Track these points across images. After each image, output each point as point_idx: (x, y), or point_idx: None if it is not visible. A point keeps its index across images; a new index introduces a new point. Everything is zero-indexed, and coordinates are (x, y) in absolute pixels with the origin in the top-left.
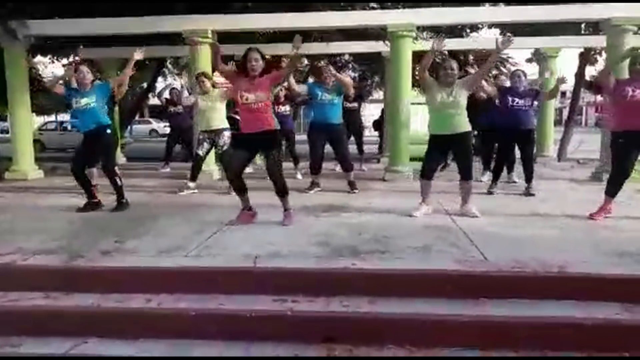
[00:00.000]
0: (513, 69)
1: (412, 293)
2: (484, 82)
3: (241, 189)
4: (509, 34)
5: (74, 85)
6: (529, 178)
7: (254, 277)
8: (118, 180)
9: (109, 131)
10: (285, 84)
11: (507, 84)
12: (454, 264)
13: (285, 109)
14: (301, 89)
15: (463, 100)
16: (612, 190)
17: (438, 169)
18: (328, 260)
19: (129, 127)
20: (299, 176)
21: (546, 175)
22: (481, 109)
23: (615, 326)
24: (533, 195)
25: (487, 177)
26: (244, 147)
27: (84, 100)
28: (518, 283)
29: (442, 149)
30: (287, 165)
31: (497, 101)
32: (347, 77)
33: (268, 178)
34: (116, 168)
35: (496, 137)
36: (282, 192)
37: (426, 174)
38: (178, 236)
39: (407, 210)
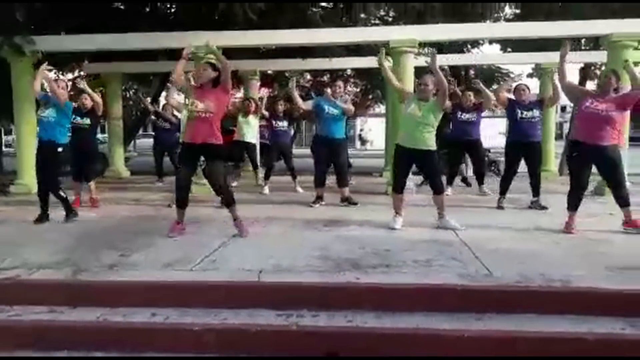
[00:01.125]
0: (514, 83)
1: (415, 307)
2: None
3: (184, 204)
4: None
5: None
6: (536, 191)
7: (258, 292)
8: (62, 193)
9: (60, 150)
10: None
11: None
12: (457, 278)
13: (283, 124)
14: (307, 105)
15: (431, 119)
16: (571, 204)
17: (417, 182)
18: (331, 275)
19: (132, 142)
20: (299, 189)
21: (548, 189)
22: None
23: (619, 340)
24: (546, 208)
25: (450, 191)
26: (187, 158)
27: (45, 112)
28: (522, 297)
29: (406, 161)
30: (287, 179)
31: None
32: (350, 105)
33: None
34: (92, 183)
35: (460, 151)
36: (227, 202)
37: (397, 188)
38: (182, 250)
39: (408, 224)
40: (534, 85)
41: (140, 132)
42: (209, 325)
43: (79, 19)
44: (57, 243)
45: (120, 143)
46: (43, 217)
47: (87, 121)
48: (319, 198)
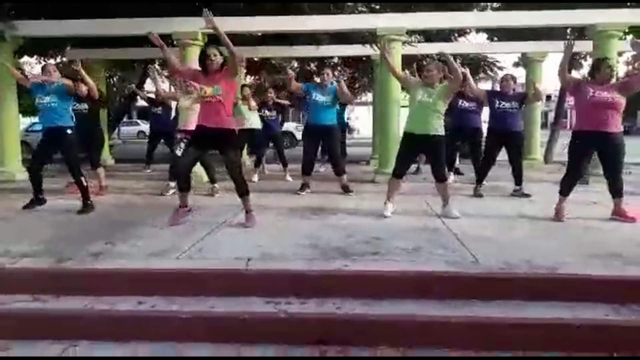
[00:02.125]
0: (500, 73)
1: (404, 294)
2: (471, 83)
3: (186, 188)
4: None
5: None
6: (519, 180)
7: (246, 279)
8: (83, 180)
9: (69, 131)
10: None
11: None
12: (445, 265)
13: (272, 114)
14: (297, 87)
15: (440, 104)
16: (564, 190)
17: (411, 171)
18: (319, 262)
19: (116, 129)
20: (289, 178)
21: (533, 177)
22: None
23: (604, 326)
24: (529, 195)
25: (452, 178)
26: (197, 143)
27: (46, 98)
28: (508, 284)
29: (414, 148)
30: (276, 167)
31: (460, 103)
32: (345, 89)
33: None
34: (100, 169)
35: (460, 138)
36: (242, 192)
37: (398, 173)
38: (169, 238)
39: (397, 212)
40: (519, 74)
41: (125, 119)
42: (196, 313)
43: (60, 3)
44: (41, 232)
45: (104, 131)
46: (35, 203)
47: (85, 106)
48: (305, 185)
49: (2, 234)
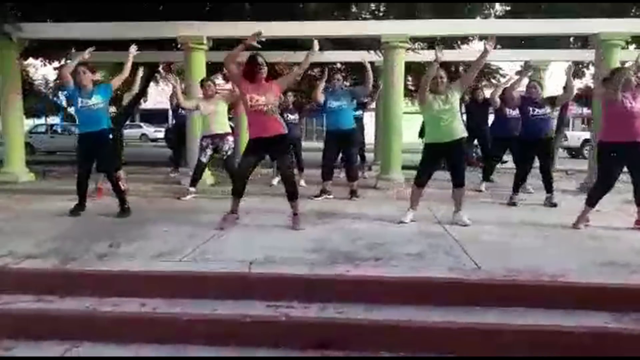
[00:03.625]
0: (503, 80)
1: (406, 300)
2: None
3: (241, 193)
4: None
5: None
6: (549, 188)
7: (249, 283)
8: (122, 184)
9: (110, 135)
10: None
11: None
12: (447, 271)
13: (295, 117)
14: (321, 97)
15: (457, 105)
16: (593, 200)
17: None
18: (323, 267)
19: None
20: (303, 183)
21: (536, 185)
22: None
23: (604, 334)
24: (555, 205)
25: (484, 185)
26: (253, 151)
27: (92, 100)
28: (510, 291)
29: (438, 156)
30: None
31: (505, 110)
32: (364, 86)
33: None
34: (121, 172)
35: (506, 147)
36: (294, 196)
37: (420, 182)
38: (173, 241)
39: (400, 218)
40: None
41: (128, 122)
42: (198, 315)
43: (65, 5)
44: (46, 233)
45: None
46: (80, 209)
47: (113, 109)
48: (323, 192)
49: (6, 235)
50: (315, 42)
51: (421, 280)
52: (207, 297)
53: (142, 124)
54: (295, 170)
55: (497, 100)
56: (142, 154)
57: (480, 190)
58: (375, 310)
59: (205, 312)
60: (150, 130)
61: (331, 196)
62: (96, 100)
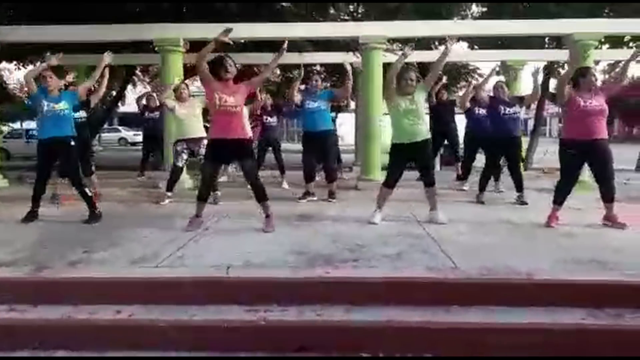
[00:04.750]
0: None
1: (385, 301)
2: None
3: (206, 199)
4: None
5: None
6: (520, 186)
7: (226, 287)
8: (90, 189)
9: (72, 142)
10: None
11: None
12: (426, 271)
13: (274, 119)
14: (297, 98)
15: (422, 105)
16: (559, 198)
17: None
18: (302, 270)
19: (97, 136)
20: (285, 185)
21: (512, 184)
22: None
23: (582, 330)
24: (526, 204)
25: (467, 185)
26: (214, 157)
27: (59, 105)
28: (487, 290)
29: (405, 157)
30: (274, 173)
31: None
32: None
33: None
34: (93, 177)
35: (479, 145)
36: (262, 198)
37: (389, 183)
38: (149, 246)
39: (369, 219)
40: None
41: (106, 125)
42: (174, 321)
43: (39, 5)
44: (18, 241)
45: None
46: (33, 216)
47: (83, 114)
48: (307, 194)
49: None
50: (285, 43)
51: (401, 280)
52: (184, 303)
53: (120, 127)
54: (277, 172)
55: (467, 105)
56: (120, 158)
57: (464, 190)
58: (354, 312)
59: (182, 317)
60: (129, 134)
61: (315, 198)
62: (64, 106)
